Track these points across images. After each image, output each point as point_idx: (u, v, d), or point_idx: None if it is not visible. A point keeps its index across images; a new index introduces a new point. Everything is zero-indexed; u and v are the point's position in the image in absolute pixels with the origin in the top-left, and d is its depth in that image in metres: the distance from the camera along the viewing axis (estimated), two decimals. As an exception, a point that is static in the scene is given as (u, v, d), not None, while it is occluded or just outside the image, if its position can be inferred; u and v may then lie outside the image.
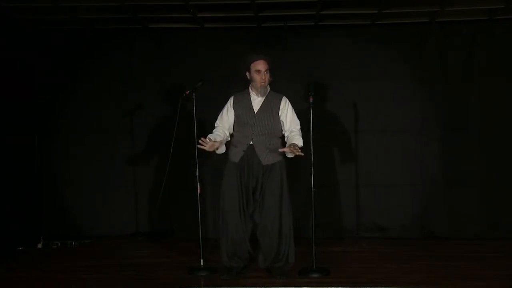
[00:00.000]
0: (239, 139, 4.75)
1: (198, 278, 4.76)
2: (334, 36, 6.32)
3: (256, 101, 4.75)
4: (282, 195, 4.67)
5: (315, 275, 4.70)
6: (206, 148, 4.59)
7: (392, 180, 6.26)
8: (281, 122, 4.75)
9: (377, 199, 6.28)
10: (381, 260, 5.26)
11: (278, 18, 6.12)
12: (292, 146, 4.52)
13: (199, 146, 4.60)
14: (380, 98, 6.25)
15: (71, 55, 6.45)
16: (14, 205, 6.01)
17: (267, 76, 4.69)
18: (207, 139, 4.59)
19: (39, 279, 4.79)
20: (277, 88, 4.88)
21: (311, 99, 4.68)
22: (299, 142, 4.63)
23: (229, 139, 4.85)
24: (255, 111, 4.72)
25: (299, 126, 4.75)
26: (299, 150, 4.54)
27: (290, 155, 4.65)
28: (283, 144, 4.73)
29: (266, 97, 4.75)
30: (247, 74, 4.75)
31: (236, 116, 4.77)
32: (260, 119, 4.69)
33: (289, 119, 4.73)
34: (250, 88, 4.80)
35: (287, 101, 4.78)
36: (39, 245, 6.01)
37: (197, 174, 4.93)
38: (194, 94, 4.84)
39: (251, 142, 4.67)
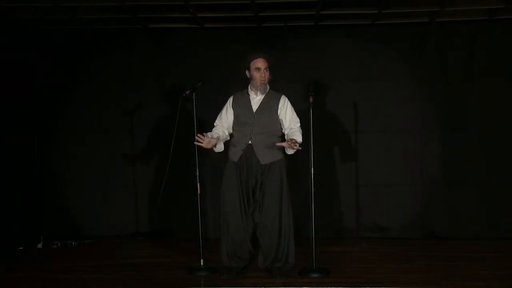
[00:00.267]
0: (238, 139, 4.75)
1: (198, 278, 4.76)
2: (334, 36, 6.32)
3: (255, 100, 4.75)
4: (282, 194, 4.66)
5: (315, 275, 4.69)
6: (203, 144, 4.59)
7: (392, 180, 6.26)
8: (281, 121, 4.74)
9: (377, 199, 6.28)
10: (381, 260, 5.26)
11: (278, 18, 6.13)
12: (290, 141, 4.52)
13: (196, 143, 4.60)
14: (380, 98, 6.25)
15: (71, 55, 6.45)
16: (14, 205, 6.01)
17: (267, 74, 4.69)
18: (204, 135, 4.59)
19: (39, 279, 4.79)
20: (277, 88, 4.88)
21: (311, 99, 4.67)
22: (298, 137, 4.63)
23: (229, 138, 4.85)
24: (254, 110, 4.72)
25: (299, 124, 4.75)
26: (297, 145, 4.54)
27: (290, 152, 4.64)
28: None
29: (265, 96, 4.75)
30: (247, 72, 4.75)
31: (235, 116, 4.77)
32: (259, 118, 4.69)
33: (288, 117, 4.73)
34: (249, 87, 4.80)
35: (286, 99, 4.77)
36: (39, 245, 6.01)
37: (197, 174, 4.92)
38: (194, 94, 4.84)
39: (250, 142, 4.67)
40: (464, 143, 6.20)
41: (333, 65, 6.27)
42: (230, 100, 4.83)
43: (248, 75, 4.76)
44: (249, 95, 4.78)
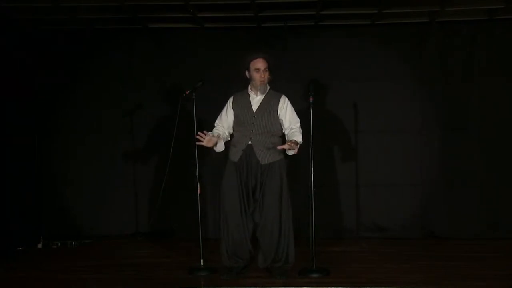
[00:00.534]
0: (238, 139, 4.75)
1: (198, 278, 4.76)
2: (334, 36, 6.32)
3: (255, 100, 4.76)
4: (282, 194, 4.66)
5: (315, 275, 4.69)
6: (204, 143, 4.60)
7: (392, 180, 6.26)
8: (280, 121, 4.74)
9: (377, 199, 6.28)
10: (381, 260, 5.26)
11: (278, 18, 6.12)
12: (290, 142, 4.51)
13: (197, 142, 4.60)
14: (380, 98, 6.25)
15: (71, 55, 6.45)
16: (14, 205, 6.01)
17: (266, 74, 4.70)
18: (204, 134, 4.59)
19: (39, 279, 4.79)
20: (277, 88, 4.88)
21: (311, 99, 4.67)
22: (298, 138, 4.63)
23: (229, 138, 4.85)
24: (254, 110, 4.72)
25: (299, 124, 4.74)
26: (298, 146, 4.54)
27: (291, 152, 4.64)
28: (284, 143, 4.72)
29: (265, 96, 4.76)
30: (247, 73, 4.76)
31: (236, 116, 4.77)
32: (258, 118, 4.69)
33: (288, 117, 4.72)
34: (249, 87, 4.80)
35: (286, 99, 4.77)
36: (39, 245, 6.01)
37: (197, 174, 4.92)
38: (194, 94, 4.84)
39: (249, 142, 4.68)
40: (464, 143, 6.20)
41: (333, 65, 6.27)
42: (230, 100, 4.84)
43: (248, 76, 4.77)
44: (249, 95, 4.78)
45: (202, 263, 4.90)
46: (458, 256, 5.38)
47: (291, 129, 4.70)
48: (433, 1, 5.71)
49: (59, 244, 6.06)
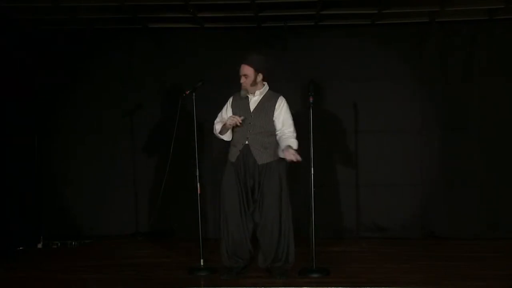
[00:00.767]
0: (237, 139, 4.75)
1: (198, 278, 4.76)
2: (334, 36, 6.32)
3: (253, 101, 4.76)
4: (281, 194, 4.66)
5: (315, 275, 4.69)
6: (230, 121, 4.61)
7: (392, 180, 6.26)
8: (274, 121, 4.72)
9: (377, 199, 6.28)
10: (381, 260, 5.26)
11: (278, 18, 6.12)
12: (294, 153, 4.49)
13: (231, 122, 4.60)
14: (380, 98, 6.25)
15: (71, 55, 6.45)
16: (14, 205, 6.01)
17: (246, 79, 4.66)
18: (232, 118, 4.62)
19: (39, 279, 4.79)
20: (276, 88, 4.88)
21: (311, 99, 4.67)
22: (294, 144, 4.60)
23: (231, 137, 4.85)
24: (251, 110, 4.72)
25: (292, 128, 4.69)
26: (297, 154, 4.52)
27: (289, 158, 4.62)
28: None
29: (263, 96, 4.76)
30: None
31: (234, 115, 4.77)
32: (256, 118, 4.69)
33: (281, 119, 4.69)
34: (248, 88, 4.81)
35: (283, 100, 4.75)
36: (39, 245, 6.01)
37: (197, 174, 4.92)
38: (194, 94, 4.84)
39: (247, 142, 4.68)
40: (464, 143, 6.20)
41: (333, 65, 6.27)
42: (230, 100, 4.85)
43: None
44: (247, 95, 4.79)
45: (202, 263, 4.89)
46: (458, 256, 5.38)
47: (284, 133, 4.67)
48: (433, 1, 5.71)
49: (59, 244, 6.06)
